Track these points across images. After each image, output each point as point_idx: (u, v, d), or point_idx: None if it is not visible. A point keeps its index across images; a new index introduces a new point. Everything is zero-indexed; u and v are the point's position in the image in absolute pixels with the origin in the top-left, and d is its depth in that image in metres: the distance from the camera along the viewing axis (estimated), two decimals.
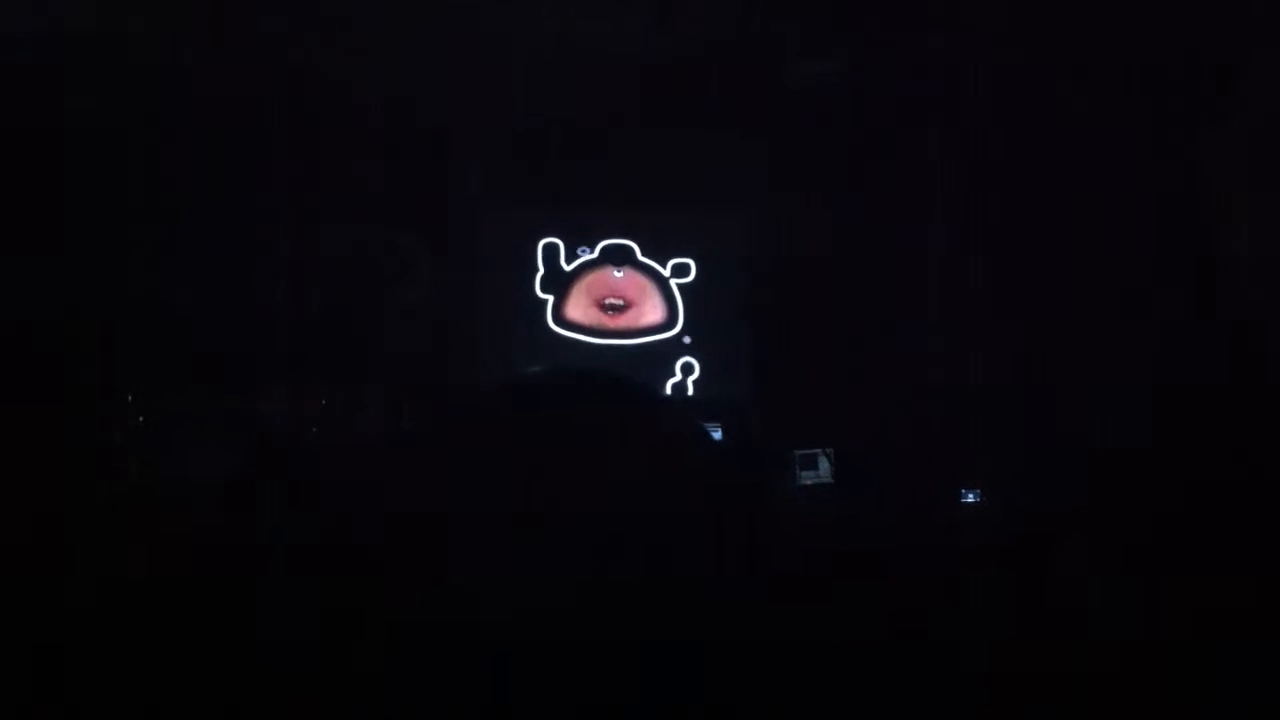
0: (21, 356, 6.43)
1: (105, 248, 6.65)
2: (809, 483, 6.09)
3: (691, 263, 7.03)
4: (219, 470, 4.53)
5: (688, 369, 6.92)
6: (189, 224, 6.75)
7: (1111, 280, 6.13)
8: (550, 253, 7.07)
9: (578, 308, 7.07)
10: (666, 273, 7.06)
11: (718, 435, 6.10)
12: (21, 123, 6.41)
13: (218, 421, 5.58)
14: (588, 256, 7.01)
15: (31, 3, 6.32)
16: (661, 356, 6.92)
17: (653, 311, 7.06)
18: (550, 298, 7.04)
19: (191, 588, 2.25)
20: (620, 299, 7.09)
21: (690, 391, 6.81)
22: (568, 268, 7.08)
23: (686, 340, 6.97)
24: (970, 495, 5.15)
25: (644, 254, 7.08)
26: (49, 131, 6.45)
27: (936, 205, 6.55)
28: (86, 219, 6.60)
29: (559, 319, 7.05)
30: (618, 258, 7.10)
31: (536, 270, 7.04)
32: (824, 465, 6.23)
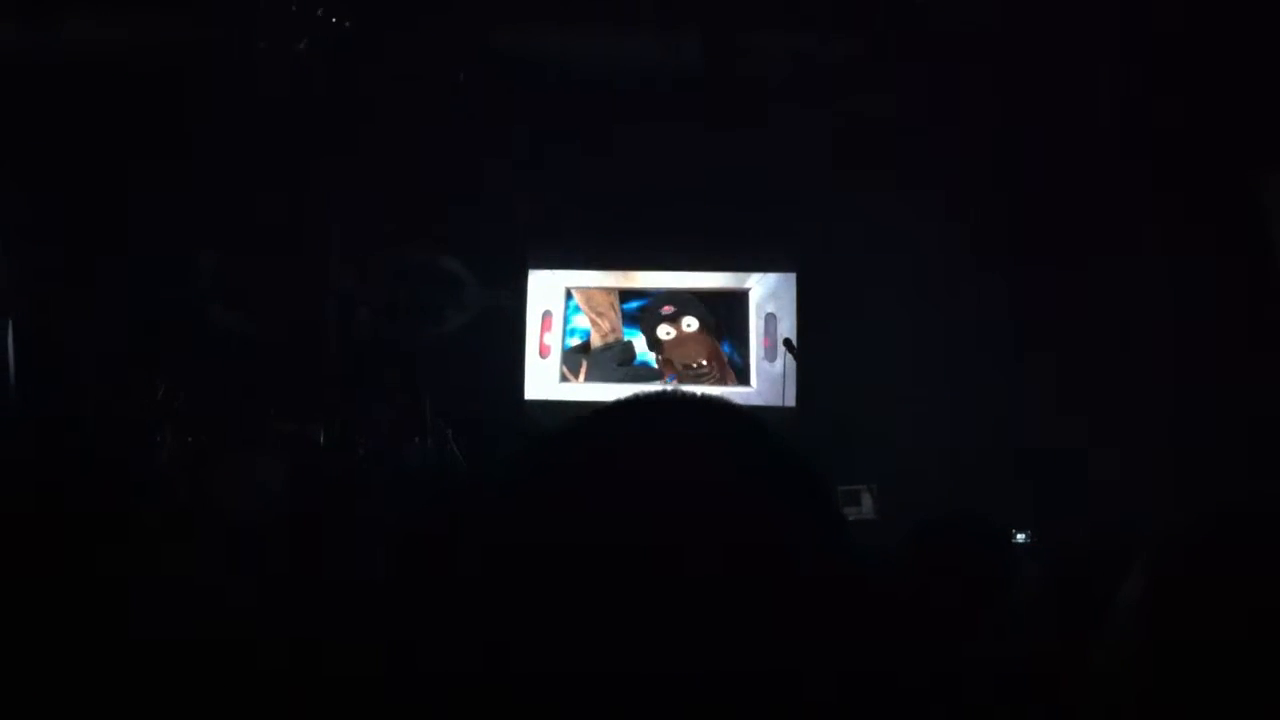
0: (69, 380, 6.49)
1: (162, 273, 6.73)
2: (850, 519, 6.01)
3: (748, 296, 7.01)
4: (269, 492, 4.54)
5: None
6: (244, 249, 6.82)
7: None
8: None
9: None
10: (714, 323, 7.06)
11: None
12: (76, 138, 6.50)
13: (267, 443, 5.60)
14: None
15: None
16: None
17: (699, 366, 7.00)
18: (590, 349, 7.02)
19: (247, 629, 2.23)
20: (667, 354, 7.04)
21: None
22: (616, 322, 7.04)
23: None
24: (1021, 535, 5.08)
25: (690, 309, 7.05)
26: (104, 152, 6.55)
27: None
28: (143, 241, 6.69)
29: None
30: (667, 314, 7.03)
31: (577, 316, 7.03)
32: (867, 502, 6.15)
